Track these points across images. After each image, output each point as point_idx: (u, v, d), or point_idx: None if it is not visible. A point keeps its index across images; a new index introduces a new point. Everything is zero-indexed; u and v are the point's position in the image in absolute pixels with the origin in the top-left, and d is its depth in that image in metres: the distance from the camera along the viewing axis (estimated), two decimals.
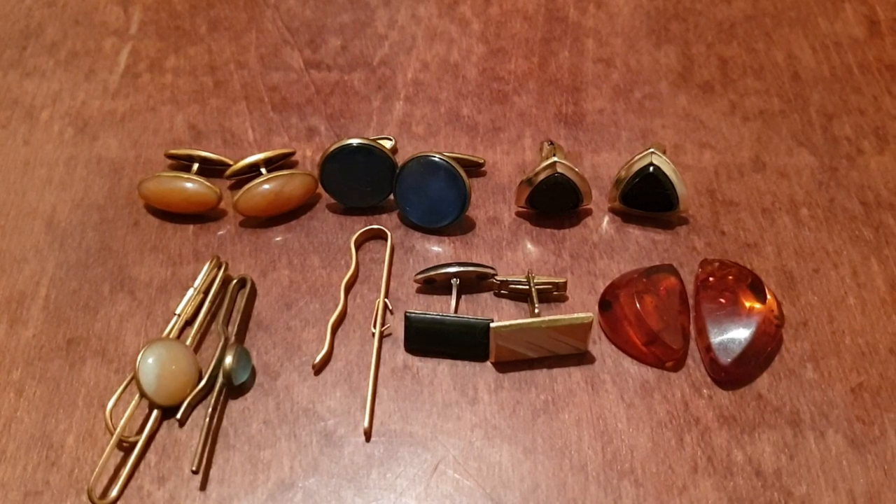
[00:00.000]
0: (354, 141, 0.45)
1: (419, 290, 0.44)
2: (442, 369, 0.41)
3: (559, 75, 0.54)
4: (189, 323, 0.42)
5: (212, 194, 0.46)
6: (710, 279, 0.42)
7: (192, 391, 0.39)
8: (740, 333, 0.40)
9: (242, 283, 0.43)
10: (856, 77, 0.54)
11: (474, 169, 0.49)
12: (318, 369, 0.41)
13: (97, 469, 0.37)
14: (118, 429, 0.37)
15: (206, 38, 0.57)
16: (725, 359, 0.39)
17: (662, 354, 0.40)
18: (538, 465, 0.38)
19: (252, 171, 0.48)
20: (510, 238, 0.46)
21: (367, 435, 0.39)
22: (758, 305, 0.40)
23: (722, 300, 0.41)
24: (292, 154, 0.49)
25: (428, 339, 0.41)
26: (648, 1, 0.59)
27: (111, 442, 0.37)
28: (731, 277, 0.42)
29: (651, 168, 0.44)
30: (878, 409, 0.39)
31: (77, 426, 0.39)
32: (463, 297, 0.43)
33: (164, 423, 0.39)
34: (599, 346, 0.42)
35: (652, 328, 0.40)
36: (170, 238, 0.46)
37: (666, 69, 0.54)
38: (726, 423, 0.39)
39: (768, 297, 0.41)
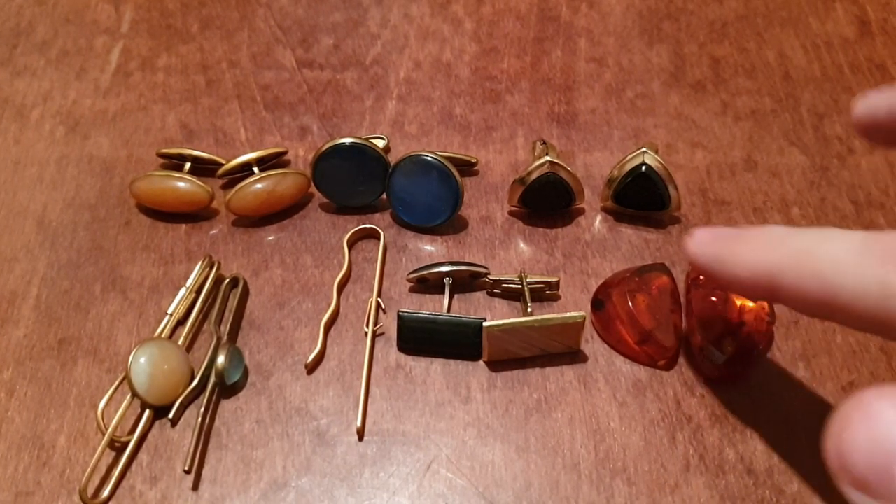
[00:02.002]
0: (347, 140, 0.45)
1: (412, 290, 0.44)
2: (435, 368, 0.41)
3: (551, 75, 0.54)
4: (181, 322, 0.42)
5: (204, 193, 0.46)
6: (702, 278, 0.42)
7: (184, 391, 0.39)
8: (732, 332, 0.40)
9: (235, 282, 0.43)
10: (846, 77, 0.54)
11: (467, 168, 0.49)
12: (311, 369, 0.41)
13: (89, 469, 0.37)
14: (110, 429, 0.37)
15: (198, 37, 0.57)
16: (717, 357, 0.39)
17: (655, 353, 0.40)
18: (531, 463, 0.38)
19: (244, 170, 0.48)
20: (503, 237, 0.46)
21: (360, 434, 0.39)
22: (749, 304, 0.41)
23: (713, 299, 0.41)
24: (285, 153, 0.49)
25: (421, 339, 0.41)
26: (640, 0, 0.59)
27: (103, 442, 0.37)
28: None
29: (643, 167, 0.44)
30: None
31: (69, 426, 0.39)
32: (456, 296, 0.43)
33: (157, 423, 0.39)
34: (592, 345, 0.42)
35: (644, 327, 0.40)
36: (162, 237, 0.46)
37: (658, 69, 0.54)
38: (718, 422, 0.39)
39: None
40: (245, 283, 0.44)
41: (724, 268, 0.32)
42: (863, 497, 0.23)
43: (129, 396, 0.38)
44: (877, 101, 0.36)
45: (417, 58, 0.55)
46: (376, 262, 0.45)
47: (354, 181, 0.46)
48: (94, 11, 0.59)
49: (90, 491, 0.37)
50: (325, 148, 0.45)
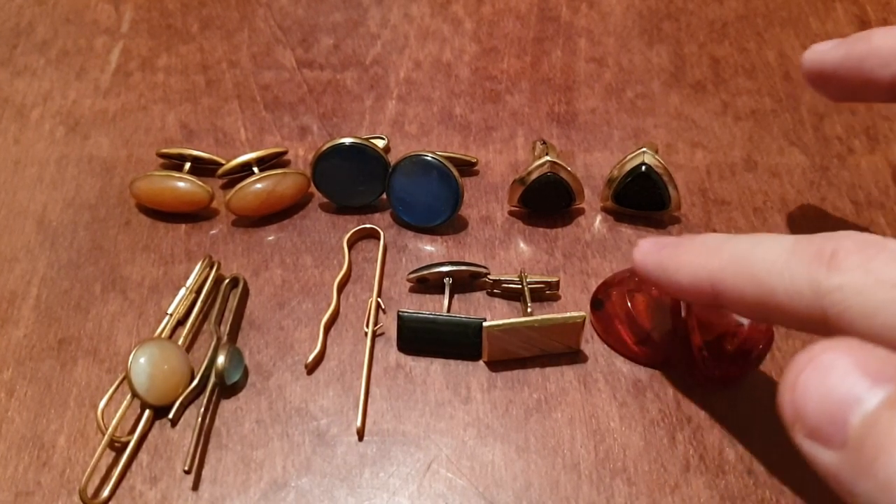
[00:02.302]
0: (347, 140, 0.45)
1: (412, 290, 0.44)
2: (435, 368, 0.41)
3: (551, 75, 0.54)
4: (181, 322, 0.42)
5: (204, 193, 0.46)
6: None
7: (184, 391, 0.39)
8: (732, 332, 0.40)
9: (235, 282, 0.43)
10: None
11: (467, 168, 0.49)
12: (311, 369, 0.41)
13: (89, 469, 0.37)
14: (110, 429, 0.37)
15: (198, 37, 0.57)
16: (717, 357, 0.39)
17: (654, 353, 0.40)
18: (531, 463, 0.38)
19: (244, 170, 0.48)
20: (503, 237, 0.46)
21: (360, 434, 0.39)
22: None
23: None
24: (285, 153, 0.49)
25: (421, 339, 0.41)
26: (640, 1, 0.59)
27: (103, 442, 0.37)
28: None
29: (643, 167, 0.44)
30: None
31: (69, 426, 0.39)
32: (456, 296, 0.43)
33: (156, 423, 0.39)
34: (592, 345, 0.42)
35: (643, 327, 0.40)
36: (161, 237, 0.46)
37: (658, 69, 0.54)
38: (718, 422, 0.39)
39: None
40: (245, 283, 0.44)
41: (667, 275, 0.34)
42: (816, 446, 0.24)
43: (129, 396, 0.38)
44: (823, 54, 0.37)
45: (417, 58, 0.55)
46: (376, 262, 0.45)
47: (354, 181, 0.46)
48: (94, 11, 0.59)
49: (90, 491, 0.37)
50: (325, 148, 0.45)
